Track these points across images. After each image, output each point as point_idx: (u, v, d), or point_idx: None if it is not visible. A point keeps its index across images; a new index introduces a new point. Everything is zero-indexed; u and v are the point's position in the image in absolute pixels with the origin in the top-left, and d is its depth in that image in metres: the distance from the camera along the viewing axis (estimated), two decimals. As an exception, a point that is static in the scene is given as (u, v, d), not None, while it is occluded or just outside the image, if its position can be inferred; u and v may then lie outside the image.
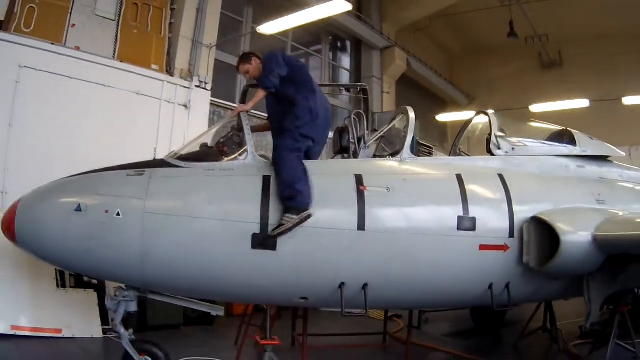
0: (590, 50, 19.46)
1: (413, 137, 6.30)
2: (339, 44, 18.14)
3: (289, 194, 5.35)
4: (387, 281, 5.74)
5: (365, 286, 5.60)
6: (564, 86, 18.98)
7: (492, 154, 6.84)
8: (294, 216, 5.29)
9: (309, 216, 5.35)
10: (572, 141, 7.67)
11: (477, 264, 5.96)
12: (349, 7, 9.68)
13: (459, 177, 6.08)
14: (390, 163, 6.30)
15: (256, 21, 13.51)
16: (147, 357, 5.61)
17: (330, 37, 17.28)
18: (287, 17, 10.44)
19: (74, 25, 9.77)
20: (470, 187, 6.03)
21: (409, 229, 5.71)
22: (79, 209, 5.19)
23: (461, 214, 5.82)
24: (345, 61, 18.42)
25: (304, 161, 5.70)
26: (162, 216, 5.27)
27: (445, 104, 23.02)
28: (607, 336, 7.14)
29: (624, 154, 8.48)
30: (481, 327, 10.20)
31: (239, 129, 5.98)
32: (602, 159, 7.99)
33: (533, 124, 8.75)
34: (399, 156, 6.24)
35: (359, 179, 5.70)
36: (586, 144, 7.76)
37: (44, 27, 9.36)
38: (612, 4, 16.98)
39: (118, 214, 5.16)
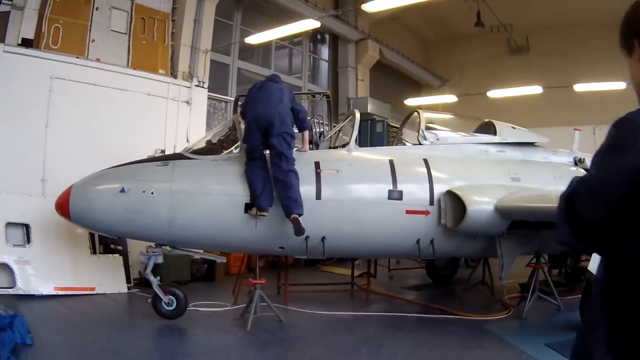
0: (555, 38, 19.66)
1: (358, 133, 7.88)
2: (318, 37, 19.00)
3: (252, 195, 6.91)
4: (338, 235, 7.31)
5: (323, 239, 7.20)
6: (529, 71, 19.34)
7: (420, 144, 8.37)
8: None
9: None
10: (493, 131, 8.96)
11: (405, 224, 7.51)
12: (317, 24, 11.79)
13: (391, 162, 7.63)
14: (340, 152, 7.86)
15: (244, 23, 14.92)
16: (171, 296, 7.16)
17: (311, 32, 17.78)
18: (269, 31, 12.17)
19: (93, 40, 10.89)
20: (399, 169, 7.57)
21: (352, 198, 7.30)
22: (122, 190, 6.80)
23: (391, 188, 7.43)
24: (324, 52, 19.38)
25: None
26: (183, 193, 6.86)
27: (420, 87, 23.56)
28: (541, 292, 8.31)
29: (547, 139, 9.61)
30: (436, 282, 11.55)
31: (234, 128, 7.62)
32: (528, 144, 9.25)
33: (460, 118, 10.14)
34: (347, 147, 7.83)
35: (317, 164, 7.28)
36: (506, 133, 9.04)
37: (69, 43, 10.45)
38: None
39: (152, 193, 6.78)
